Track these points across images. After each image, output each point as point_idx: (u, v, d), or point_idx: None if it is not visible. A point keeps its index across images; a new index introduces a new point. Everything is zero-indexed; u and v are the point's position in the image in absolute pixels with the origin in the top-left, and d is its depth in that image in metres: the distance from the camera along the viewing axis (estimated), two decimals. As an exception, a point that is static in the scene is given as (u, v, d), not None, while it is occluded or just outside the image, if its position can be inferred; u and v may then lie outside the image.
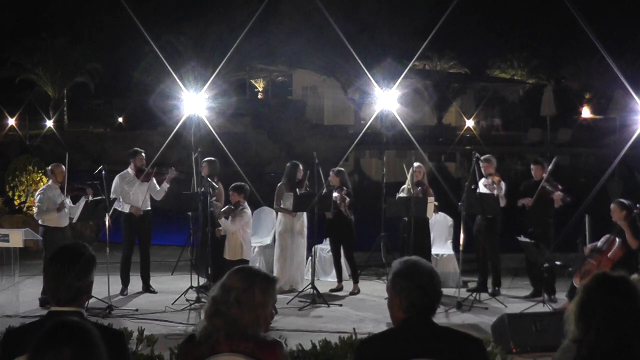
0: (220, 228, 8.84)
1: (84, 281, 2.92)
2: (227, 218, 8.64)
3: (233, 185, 8.81)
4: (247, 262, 8.54)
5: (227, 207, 8.77)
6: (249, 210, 8.81)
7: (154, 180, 9.38)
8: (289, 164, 9.76)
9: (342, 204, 9.27)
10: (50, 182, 8.92)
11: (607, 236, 7.96)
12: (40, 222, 8.72)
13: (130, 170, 9.39)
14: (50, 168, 9.00)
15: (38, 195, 8.78)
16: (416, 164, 9.38)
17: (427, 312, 2.85)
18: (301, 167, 9.65)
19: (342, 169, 9.77)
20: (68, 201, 8.79)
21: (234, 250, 8.60)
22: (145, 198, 9.33)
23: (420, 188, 9.33)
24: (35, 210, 8.78)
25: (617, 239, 7.80)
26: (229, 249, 8.66)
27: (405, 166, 9.63)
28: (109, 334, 2.86)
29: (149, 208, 9.44)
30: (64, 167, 8.84)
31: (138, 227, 9.35)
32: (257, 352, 2.79)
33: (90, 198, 8.81)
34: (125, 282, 9.37)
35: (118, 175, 9.38)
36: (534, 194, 8.97)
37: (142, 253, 9.48)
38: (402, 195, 9.42)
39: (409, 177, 9.37)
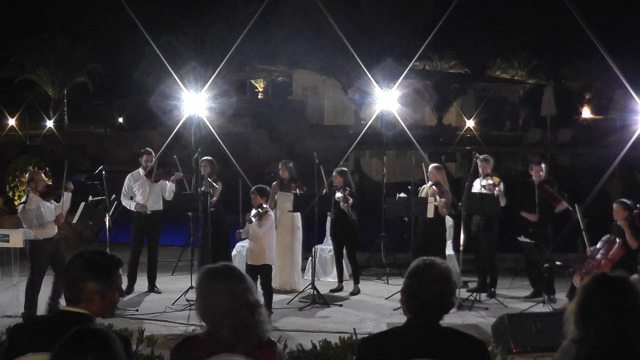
0: (241, 230, 8.63)
1: (90, 284, 2.93)
2: (256, 222, 8.43)
3: (255, 187, 8.60)
4: (270, 267, 8.44)
5: (254, 210, 8.48)
6: (272, 213, 8.72)
7: (167, 182, 9.39)
8: None
9: (345, 204, 9.26)
10: (30, 192, 8.13)
11: (607, 236, 7.96)
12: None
13: (140, 170, 9.46)
14: (29, 176, 8.25)
15: (21, 212, 8.07)
16: (430, 166, 9.29)
17: (431, 313, 2.85)
18: (283, 164, 9.64)
19: (345, 169, 9.74)
20: (52, 205, 8.26)
21: (257, 255, 8.40)
22: (155, 198, 9.35)
23: (436, 189, 9.21)
24: (24, 226, 8.12)
25: (617, 239, 7.80)
26: (253, 253, 8.45)
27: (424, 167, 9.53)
28: None
29: (160, 208, 9.45)
30: (43, 174, 8.37)
31: (147, 226, 9.37)
32: (254, 352, 2.80)
33: (69, 193, 8.25)
34: (132, 281, 9.39)
35: (129, 175, 9.48)
36: (534, 196, 8.98)
37: (150, 253, 9.49)
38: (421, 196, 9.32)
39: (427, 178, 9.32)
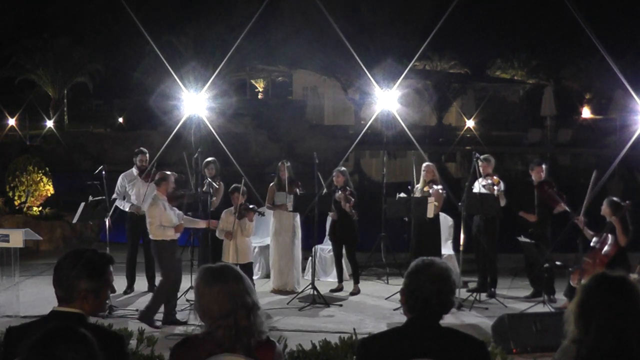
0: (224, 230, 8.57)
1: (84, 283, 2.91)
2: (250, 220, 8.42)
3: (234, 186, 8.64)
4: (252, 264, 8.62)
5: (240, 207, 8.45)
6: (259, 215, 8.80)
7: None
8: None
9: (347, 204, 9.25)
10: (157, 192, 7.98)
11: (601, 234, 7.97)
12: (151, 236, 8.03)
13: (134, 170, 9.43)
14: (161, 176, 8.02)
15: (150, 207, 7.94)
16: (424, 164, 9.36)
17: (431, 312, 2.84)
18: (282, 164, 9.62)
19: (344, 169, 9.76)
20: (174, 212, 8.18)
21: (244, 253, 8.40)
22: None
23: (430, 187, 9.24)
24: (149, 227, 7.98)
25: (610, 236, 7.82)
26: (240, 252, 8.38)
27: (415, 166, 9.58)
28: (109, 337, 2.86)
29: None
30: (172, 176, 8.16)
31: (142, 226, 9.33)
32: (254, 351, 2.80)
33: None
34: (130, 281, 9.38)
35: (122, 175, 9.42)
36: (533, 197, 8.98)
37: (147, 253, 9.47)
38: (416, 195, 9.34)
39: (422, 177, 9.34)
